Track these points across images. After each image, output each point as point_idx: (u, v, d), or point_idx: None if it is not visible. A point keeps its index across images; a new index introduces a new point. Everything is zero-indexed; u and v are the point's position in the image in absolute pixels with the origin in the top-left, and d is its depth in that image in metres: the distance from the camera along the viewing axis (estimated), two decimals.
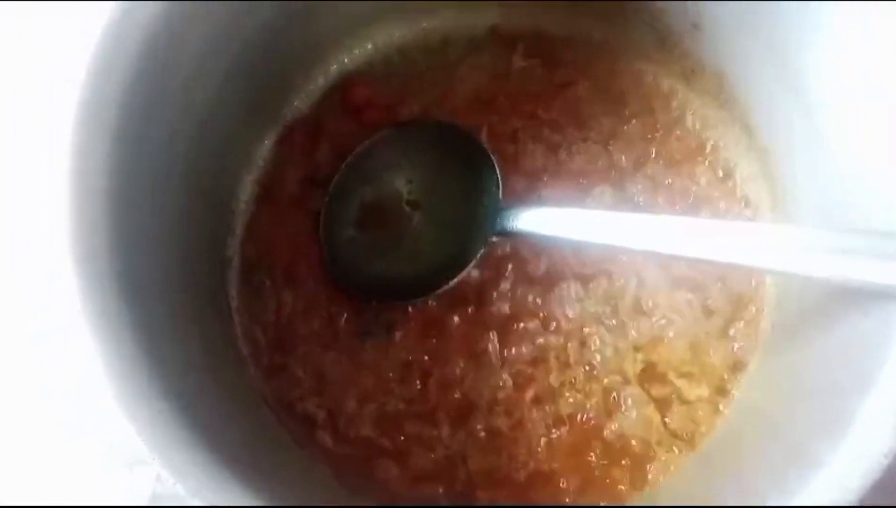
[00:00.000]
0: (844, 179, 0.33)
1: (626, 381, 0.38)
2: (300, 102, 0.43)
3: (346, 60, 0.44)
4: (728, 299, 0.39)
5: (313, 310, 0.40)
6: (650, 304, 0.39)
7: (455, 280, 0.38)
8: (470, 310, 0.39)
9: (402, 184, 0.41)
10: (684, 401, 0.38)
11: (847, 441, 0.27)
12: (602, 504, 0.37)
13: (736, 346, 0.39)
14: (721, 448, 0.36)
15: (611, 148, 0.41)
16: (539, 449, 0.37)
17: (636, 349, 0.39)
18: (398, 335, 0.39)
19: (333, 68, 0.44)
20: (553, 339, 0.39)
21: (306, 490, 0.35)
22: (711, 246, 0.31)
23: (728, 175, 0.41)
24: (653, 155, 0.41)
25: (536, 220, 0.36)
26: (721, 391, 0.38)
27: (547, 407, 0.38)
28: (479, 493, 0.37)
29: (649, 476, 0.37)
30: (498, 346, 0.39)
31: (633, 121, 0.42)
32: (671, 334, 0.39)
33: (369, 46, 0.44)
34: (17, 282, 0.43)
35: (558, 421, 0.38)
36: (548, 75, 0.43)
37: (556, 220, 0.35)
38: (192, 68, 0.34)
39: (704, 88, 0.41)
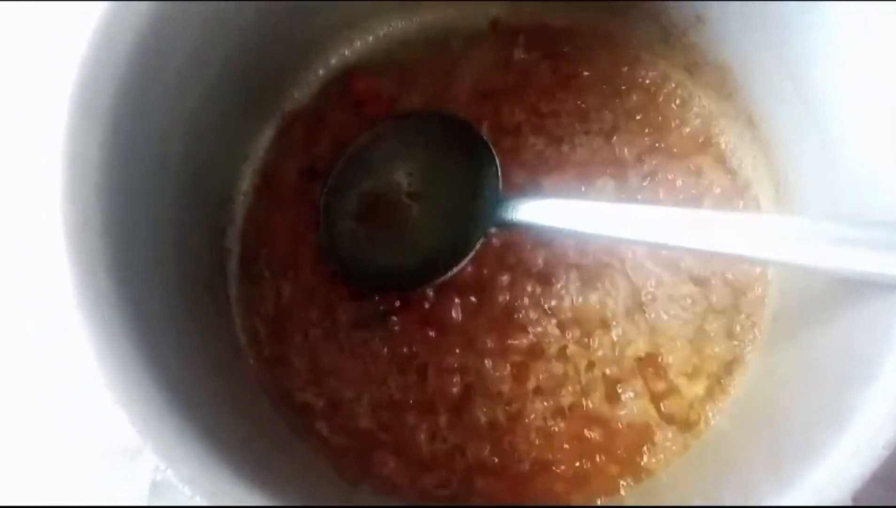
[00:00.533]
0: (847, 172, 0.32)
1: (626, 372, 0.38)
2: (300, 94, 0.43)
3: (346, 52, 0.44)
4: (730, 291, 0.39)
5: (312, 301, 0.40)
6: (650, 295, 0.39)
7: (454, 271, 0.38)
8: (469, 301, 0.39)
9: (402, 175, 0.41)
10: (684, 392, 0.38)
11: (847, 433, 0.27)
12: (600, 505, 0.37)
13: (737, 337, 0.38)
14: (720, 439, 0.36)
15: (613, 140, 0.41)
16: (538, 440, 0.37)
17: (636, 340, 0.38)
18: (397, 325, 0.39)
19: (334, 60, 0.44)
20: (553, 330, 0.39)
21: (303, 479, 0.35)
22: (713, 238, 0.31)
23: (731, 167, 0.41)
24: (655, 147, 0.41)
25: (536, 211, 0.36)
26: (721, 382, 0.38)
27: (546, 398, 0.38)
28: (478, 483, 0.37)
29: (648, 468, 0.37)
30: (497, 336, 0.39)
31: (636, 113, 0.42)
32: (671, 325, 0.39)
33: (370, 38, 0.44)
34: (17, 282, 0.43)
35: (557, 412, 0.38)
36: (549, 68, 0.43)
37: (557, 211, 0.35)
38: (188, 61, 0.34)
39: (708, 80, 0.41)
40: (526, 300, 0.39)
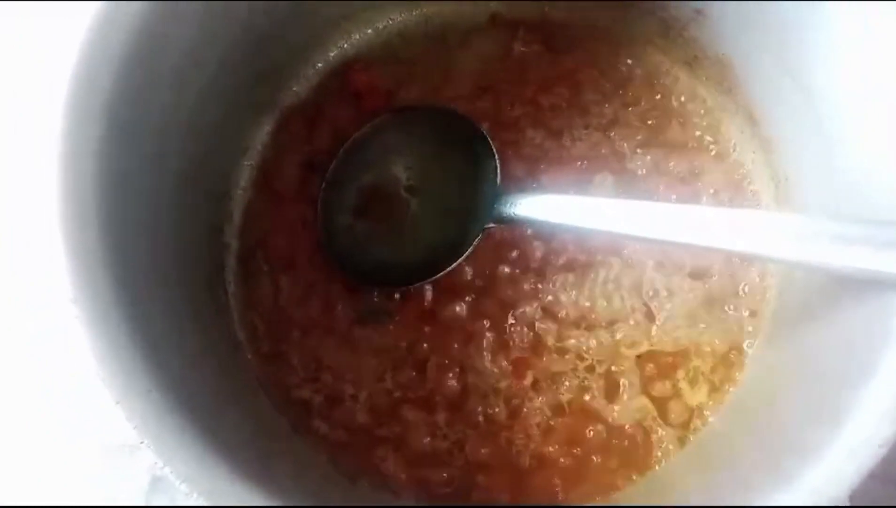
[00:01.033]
0: (847, 168, 0.32)
1: (625, 368, 0.38)
2: (299, 88, 0.43)
3: (345, 46, 0.43)
4: (729, 287, 0.39)
5: (311, 296, 0.40)
6: (650, 291, 0.39)
7: (452, 266, 0.38)
8: (468, 296, 0.39)
9: (400, 170, 0.41)
10: (682, 389, 0.38)
11: (844, 431, 0.27)
12: (600, 504, 0.37)
13: (736, 334, 0.38)
14: (717, 437, 0.36)
15: (612, 135, 0.41)
16: (537, 435, 0.37)
17: (635, 336, 0.38)
18: (395, 320, 0.39)
19: (333, 54, 0.43)
20: (552, 326, 0.39)
21: (302, 476, 0.35)
22: (712, 234, 0.31)
23: (731, 163, 0.41)
24: (654, 142, 0.41)
25: (535, 207, 0.36)
26: (719, 379, 0.38)
27: (545, 394, 0.38)
28: (478, 478, 0.37)
29: (646, 465, 0.37)
30: (496, 332, 0.39)
31: (635, 107, 0.41)
32: (671, 321, 0.39)
33: (369, 31, 0.44)
34: (17, 282, 0.43)
35: (556, 408, 0.38)
36: (549, 61, 0.43)
37: (556, 207, 0.35)
38: (184, 58, 0.34)
39: (707, 75, 0.41)
40: (524, 296, 0.39)
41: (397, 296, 0.39)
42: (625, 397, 0.38)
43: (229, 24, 0.36)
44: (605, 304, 0.39)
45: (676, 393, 0.38)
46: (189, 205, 0.36)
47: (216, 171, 0.40)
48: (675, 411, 0.37)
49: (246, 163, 0.42)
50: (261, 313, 0.39)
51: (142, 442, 0.26)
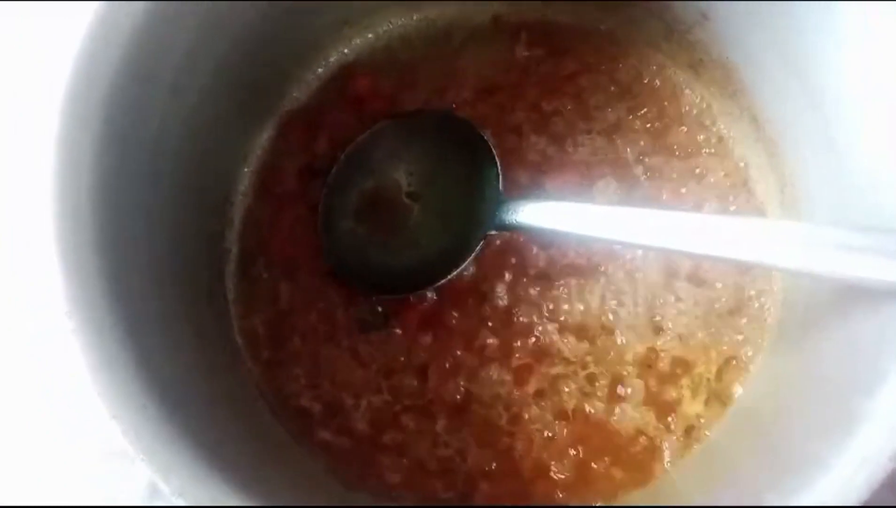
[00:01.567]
0: (853, 174, 0.32)
1: (628, 376, 0.38)
2: (299, 93, 0.43)
3: (346, 50, 0.43)
4: (734, 296, 0.38)
5: (311, 303, 0.39)
6: (654, 301, 0.38)
7: (453, 274, 0.38)
8: (470, 303, 0.39)
9: (401, 175, 0.41)
10: (686, 398, 0.37)
11: (851, 443, 0.26)
12: (601, 505, 0.36)
13: (741, 343, 0.38)
14: (721, 446, 0.36)
15: (616, 140, 0.41)
16: (539, 443, 0.37)
17: (638, 344, 0.38)
18: (396, 327, 0.39)
19: (333, 58, 0.43)
20: (554, 333, 0.38)
21: (301, 486, 0.35)
22: (717, 243, 0.30)
23: (736, 168, 0.40)
24: (658, 147, 0.40)
25: (537, 213, 0.36)
26: (724, 388, 0.37)
27: (547, 401, 0.38)
28: (481, 486, 0.37)
29: (648, 473, 0.37)
30: (498, 339, 0.38)
31: (639, 112, 0.41)
32: (674, 329, 0.38)
33: (370, 36, 0.43)
34: (17, 282, 0.43)
35: (558, 416, 0.37)
36: (552, 65, 0.42)
37: (558, 213, 0.35)
38: (183, 61, 0.33)
39: (712, 79, 0.40)
40: (526, 303, 0.39)
41: (398, 303, 0.39)
42: (627, 405, 0.37)
43: (228, 29, 0.36)
44: (607, 311, 0.38)
45: (680, 402, 0.37)
46: (188, 212, 0.36)
47: (216, 177, 0.40)
48: (679, 420, 0.37)
49: (246, 169, 0.42)
50: (261, 319, 0.39)
51: (137, 457, 0.26)
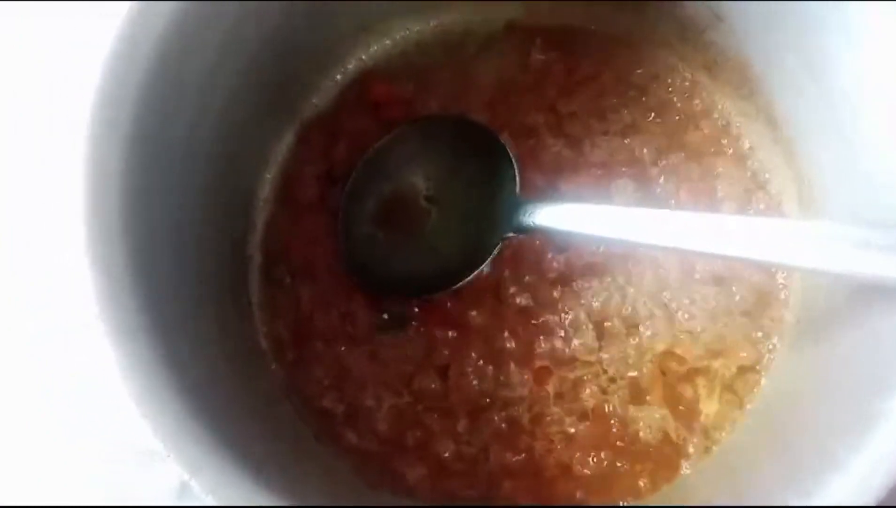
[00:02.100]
0: (871, 173, 0.32)
1: (648, 376, 0.38)
2: (318, 100, 0.43)
3: (363, 57, 0.44)
4: (752, 295, 0.38)
5: (332, 306, 0.40)
6: (672, 300, 0.39)
7: (472, 276, 0.38)
8: (489, 305, 0.39)
9: (419, 180, 0.41)
10: (705, 397, 0.38)
11: (869, 442, 0.26)
12: (621, 504, 0.37)
13: (759, 341, 0.38)
14: (741, 445, 0.36)
15: (632, 141, 0.41)
16: (560, 443, 0.37)
17: (657, 344, 0.38)
18: (416, 329, 0.39)
19: (351, 66, 0.44)
20: (572, 334, 0.39)
21: (326, 485, 0.35)
22: (734, 243, 0.30)
23: (752, 167, 0.40)
24: (675, 148, 0.41)
25: (555, 216, 0.36)
26: (743, 387, 0.38)
27: (567, 402, 0.38)
28: (503, 485, 0.37)
29: (669, 473, 0.37)
30: (517, 340, 0.39)
31: (655, 113, 0.41)
32: (693, 330, 0.38)
33: (387, 42, 0.44)
34: (17, 282, 0.43)
35: (579, 415, 0.38)
36: (567, 68, 0.43)
37: (576, 216, 0.35)
38: (208, 68, 0.34)
39: (727, 79, 0.40)
40: (545, 304, 0.39)
41: (418, 305, 0.39)
42: (647, 404, 0.38)
43: (250, 36, 0.36)
44: (626, 311, 0.39)
45: (699, 401, 0.37)
46: (212, 217, 0.37)
47: (239, 183, 0.41)
48: (698, 419, 0.37)
49: (267, 174, 0.42)
50: (284, 323, 0.40)
51: (168, 455, 0.26)
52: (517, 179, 0.39)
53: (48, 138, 0.43)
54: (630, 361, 0.38)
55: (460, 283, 0.39)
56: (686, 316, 0.38)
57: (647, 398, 0.38)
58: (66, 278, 0.40)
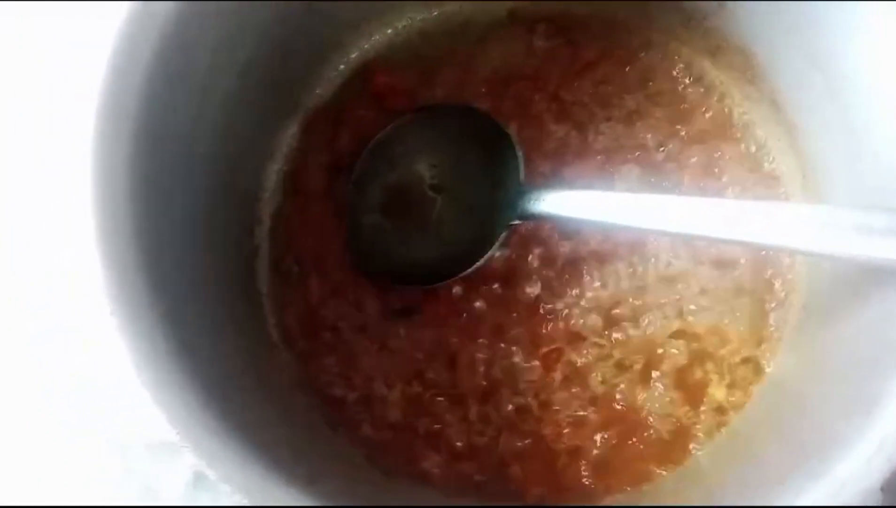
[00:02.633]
0: (872, 157, 0.32)
1: (655, 360, 0.38)
2: (322, 90, 0.43)
3: (366, 46, 0.44)
4: (759, 279, 0.39)
5: (341, 295, 0.40)
6: (679, 285, 0.39)
7: (478, 264, 0.39)
8: (496, 292, 0.40)
9: (424, 168, 0.41)
10: (713, 380, 0.38)
11: (875, 422, 0.27)
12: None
13: (767, 325, 0.38)
14: (749, 428, 0.36)
15: (635, 127, 0.41)
16: (569, 428, 0.38)
17: (665, 329, 0.38)
18: (424, 317, 0.40)
19: (354, 55, 0.44)
20: (580, 321, 0.39)
21: (342, 473, 0.36)
22: (740, 228, 0.31)
23: (756, 152, 0.40)
24: (679, 133, 0.41)
25: (560, 203, 0.36)
26: (751, 371, 0.38)
27: (576, 387, 0.38)
28: (512, 468, 0.38)
29: (677, 457, 0.37)
30: (525, 327, 0.39)
31: (658, 99, 0.41)
32: (700, 314, 0.39)
33: (389, 31, 0.44)
34: (17, 282, 0.43)
35: (588, 401, 0.38)
36: (570, 55, 0.43)
37: (580, 202, 0.35)
38: (211, 61, 0.34)
39: (731, 64, 0.40)
40: (552, 291, 0.39)
41: (425, 293, 0.40)
42: (655, 389, 0.38)
43: (252, 29, 0.36)
44: (632, 297, 0.39)
45: (707, 385, 0.38)
46: (220, 210, 0.37)
47: (245, 175, 0.41)
48: (707, 402, 0.37)
49: (273, 166, 0.42)
50: (294, 312, 0.40)
51: (183, 444, 0.27)
52: (521, 166, 0.39)
53: (48, 138, 0.43)
54: (638, 346, 0.38)
55: (467, 271, 0.39)
56: (692, 301, 0.39)
57: (655, 382, 0.38)
58: (66, 278, 0.41)
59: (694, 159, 0.40)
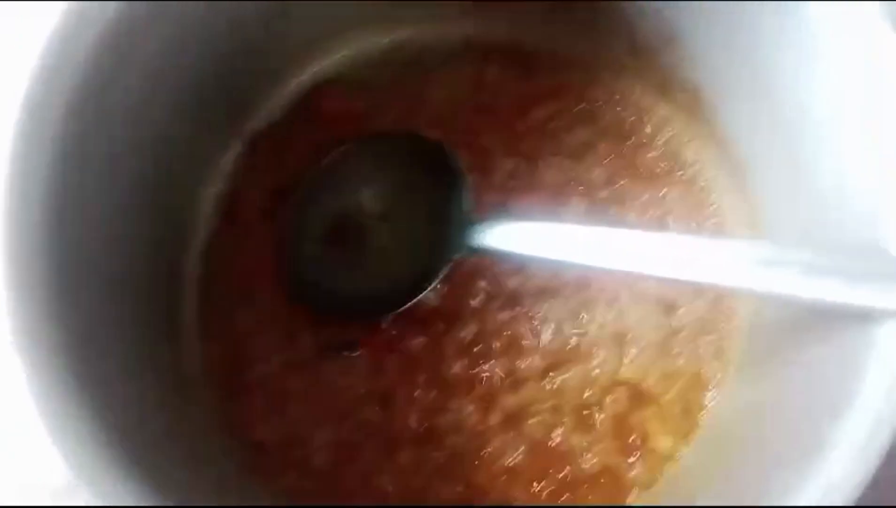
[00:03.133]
0: (820, 196, 0.32)
1: (597, 403, 0.37)
2: (268, 112, 0.42)
3: (316, 70, 0.43)
4: (699, 320, 0.38)
5: (273, 328, 0.38)
6: (621, 325, 0.38)
7: (418, 298, 0.37)
8: (437, 328, 0.38)
9: (369, 197, 0.40)
10: (652, 426, 0.37)
11: (819, 469, 0.26)
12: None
13: (707, 368, 0.37)
14: (689, 476, 0.35)
15: (585, 161, 0.40)
16: (504, 475, 0.36)
17: (606, 371, 0.37)
18: (360, 353, 0.38)
19: (303, 78, 0.42)
20: (521, 360, 0.38)
21: None
22: (683, 265, 0.30)
23: (703, 190, 0.40)
24: (626, 169, 0.40)
25: (506, 236, 0.35)
26: (691, 417, 0.37)
27: (512, 431, 0.37)
28: None
29: (621, 500, 0.36)
30: (464, 366, 0.38)
31: (608, 134, 0.41)
32: (641, 356, 0.38)
33: (340, 57, 0.43)
34: None
35: (524, 446, 0.36)
36: (521, 88, 0.42)
37: (525, 236, 0.34)
38: (145, 77, 0.33)
39: (680, 101, 0.40)
40: (494, 329, 0.38)
41: (363, 328, 0.38)
42: (594, 434, 0.37)
43: (194, 46, 0.35)
44: (575, 337, 0.38)
45: (646, 432, 0.36)
46: (147, 234, 0.35)
47: (179, 196, 0.39)
48: (645, 450, 0.36)
49: (210, 188, 0.41)
50: (218, 346, 0.38)
51: (78, 484, 0.25)
52: (468, 198, 0.38)
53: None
54: (577, 390, 0.37)
55: (405, 305, 0.37)
56: (635, 344, 0.38)
57: (595, 427, 0.37)
58: None
59: (641, 197, 0.40)
